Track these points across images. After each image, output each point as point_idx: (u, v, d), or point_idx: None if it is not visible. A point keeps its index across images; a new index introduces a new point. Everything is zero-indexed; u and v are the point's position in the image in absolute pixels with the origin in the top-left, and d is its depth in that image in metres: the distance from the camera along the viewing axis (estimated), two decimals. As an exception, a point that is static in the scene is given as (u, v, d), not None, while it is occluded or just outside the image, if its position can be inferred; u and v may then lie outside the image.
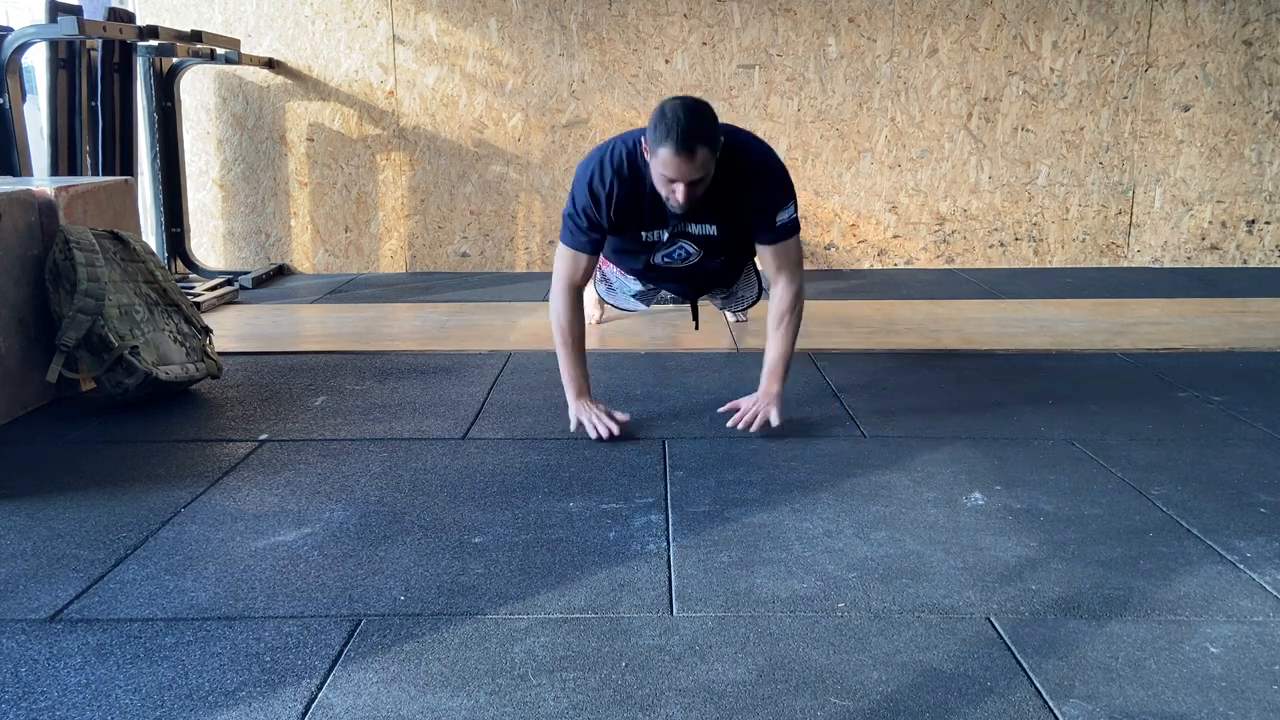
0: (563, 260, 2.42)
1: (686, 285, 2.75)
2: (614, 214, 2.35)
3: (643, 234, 2.46)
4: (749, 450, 2.31)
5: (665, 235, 2.46)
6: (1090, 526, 1.89)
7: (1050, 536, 1.84)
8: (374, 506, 2.00)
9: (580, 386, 2.42)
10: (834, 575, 1.70)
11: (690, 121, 2.10)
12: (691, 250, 2.51)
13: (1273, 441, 2.35)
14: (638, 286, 2.89)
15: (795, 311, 2.43)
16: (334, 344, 3.36)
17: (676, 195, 2.18)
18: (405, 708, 1.34)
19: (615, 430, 2.34)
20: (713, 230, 2.43)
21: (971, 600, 1.61)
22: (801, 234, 4.67)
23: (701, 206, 2.30)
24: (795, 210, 2.41)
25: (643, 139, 2.23)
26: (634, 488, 2.09)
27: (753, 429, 2.36)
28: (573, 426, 2.39)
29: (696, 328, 3.09)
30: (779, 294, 2.44)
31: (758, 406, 2.38)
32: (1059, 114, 4.62)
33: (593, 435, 2.34)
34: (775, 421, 2.35)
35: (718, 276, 2.73)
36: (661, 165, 2.14)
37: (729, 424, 2.39)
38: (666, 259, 2.56)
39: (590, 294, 3.34)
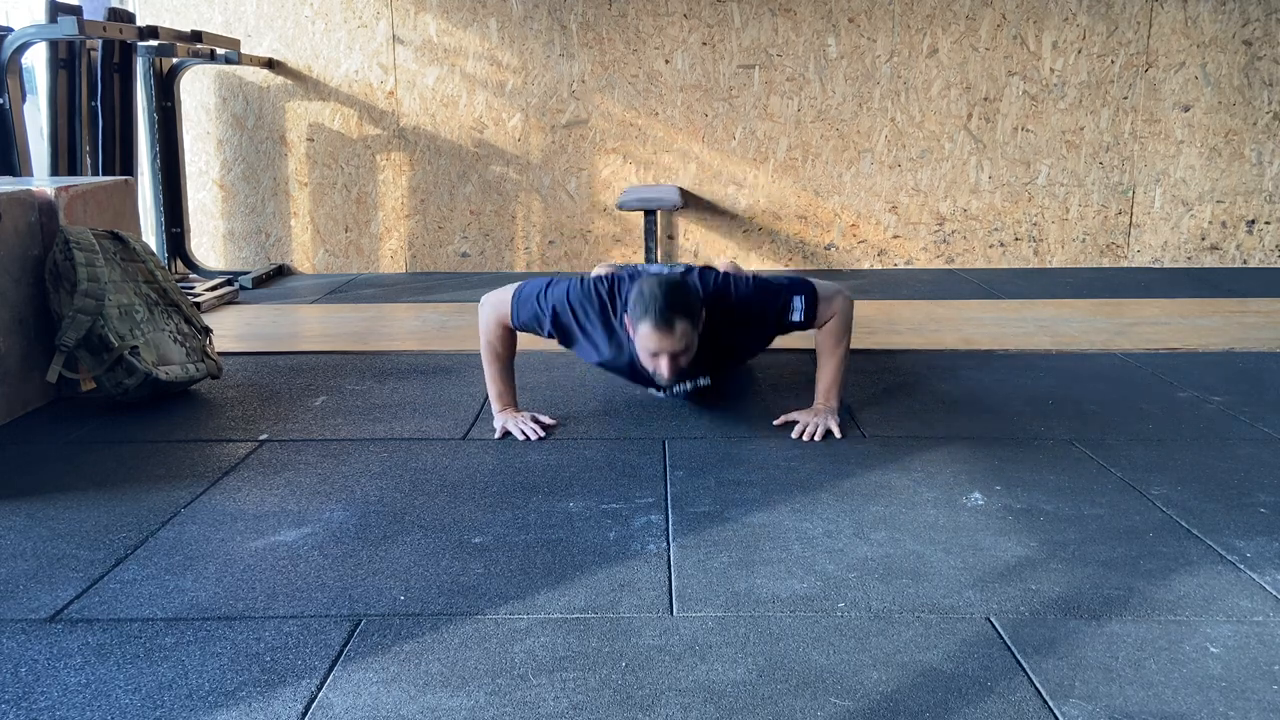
0: (503, 308, 2.46)
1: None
2: (573, 346, 2.46)
3: (628, 386, 2.60)
4: (749, 450, 2.31)
5: (658, 394, 2.61)
6: (1090, 526, 1.89)
7: (1050, 536, 1.84)
8: (374, 506, 2.00)
9: (506, 400, 2.49)
10: (834, 575, 1.70)
11: (667, 297, 2.18)
12: (691, 398, 2.64)
13: (1273, 441, 2.35)
14: None
15: (845, 334, 2.48)
16: (334, 344, 3.36)
17: (660, 368, 2.24)
18: (405, 708, 1.34)
19: (542, 433, 2.40)
20: (705, 381, 2.53)
21: (971, 600, 1.61)
22: (801, 234, 4.73)
23: (689, 367, 2.34)
24: (801, 291, 2.41)
25: (626, 315, 2.29)
26: (634, 488, 2.09)
27: (816, 439, 2.38)
28: (498, 435, 2.42)
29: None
30: (828, 327, 2.47)
31: (818, 419, 2.41)
32: (1059, 114, 4.62)
33: (520, 438, 2.39)
34: (838, 434, 2.39)
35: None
36: (643, 339, 2.22)
37: (793, 435, 2.39)
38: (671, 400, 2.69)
39: None
